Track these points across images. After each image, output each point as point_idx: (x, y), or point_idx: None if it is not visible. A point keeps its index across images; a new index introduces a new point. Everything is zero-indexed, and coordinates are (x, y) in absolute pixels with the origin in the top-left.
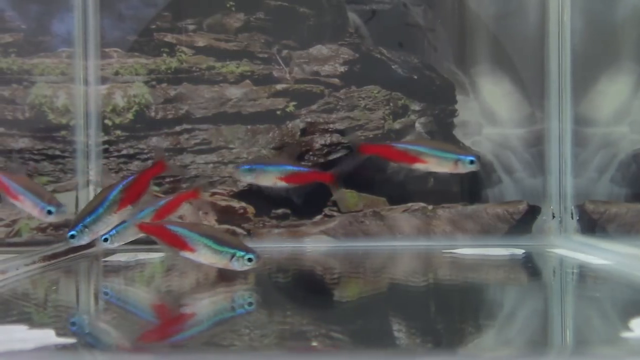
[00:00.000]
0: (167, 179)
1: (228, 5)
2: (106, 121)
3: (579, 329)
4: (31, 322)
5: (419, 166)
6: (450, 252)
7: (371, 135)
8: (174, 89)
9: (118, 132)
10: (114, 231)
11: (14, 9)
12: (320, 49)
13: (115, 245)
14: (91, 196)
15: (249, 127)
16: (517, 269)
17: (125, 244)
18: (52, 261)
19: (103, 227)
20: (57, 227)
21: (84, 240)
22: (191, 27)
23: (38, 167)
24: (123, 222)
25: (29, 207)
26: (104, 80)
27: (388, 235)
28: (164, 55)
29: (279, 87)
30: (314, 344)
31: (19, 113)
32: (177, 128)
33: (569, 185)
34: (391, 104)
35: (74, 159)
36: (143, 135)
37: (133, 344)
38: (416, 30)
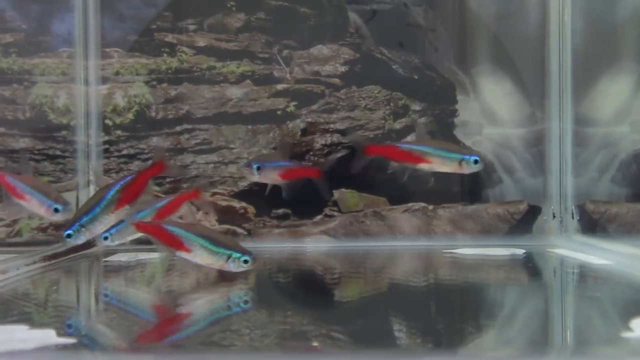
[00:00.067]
0: (168, 179)
1: (229, 5)
2: (107, 121)
3: (580, 329)
4: (32, 322)
5: (423, 166)
6: (451, 252)
7: (372, 135)
8: (175, 89)
9: (118, 132)
10: (114, 229)
11: (14, 9)
12: (320, 49)
13: (116, 243)
14: None
15: (249, 127)
16: (518, 269)
17: (127, 244)
18: (53, 261)
19: (100, 227)
20: (57, 227)
21: (81, 239)
22: (192, 27)
23: (39, 167)
24: (123, 220)
25: (35, 206)
26: (104, 80)
27: (388, 235)
28: (165, 55)
29: (279, 87)
30: (315, 344)
31: (19, 113)
32: (178, 128)
33: (569, 185)
34: (392, 104)
35: (75, 159)
36: (143, 135)
37: (128, 344)
38: (417, 30)
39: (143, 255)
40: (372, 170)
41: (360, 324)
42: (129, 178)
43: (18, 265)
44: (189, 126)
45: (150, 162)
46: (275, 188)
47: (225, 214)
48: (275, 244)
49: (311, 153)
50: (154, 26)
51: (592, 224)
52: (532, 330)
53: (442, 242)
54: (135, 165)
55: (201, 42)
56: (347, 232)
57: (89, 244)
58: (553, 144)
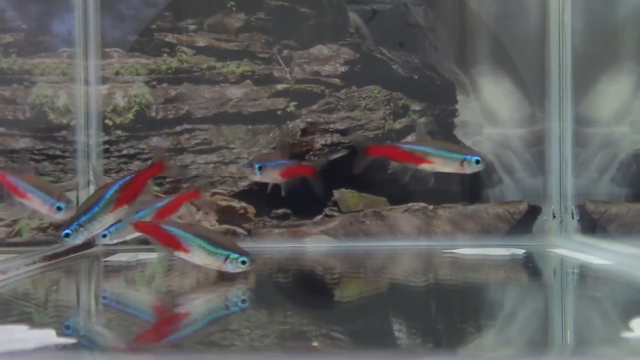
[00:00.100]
0: (168, 179)
1: (229, 5)
2: (107, 121)
3: (580, 329)
4: (32, 322)
5: (425, 166)
6: (451, 252)
7: (371, 135)
8: (175, 89)
9: (118, 132)
10: (113, 227)
11: (14, 9)
12: (320, 49)
13: (115, 241)
14: None
15: (249, 127)
16: (518, 269)
17: (126, 244)
18: (53, 261)
19: (98, 227)
20: (57, 227)
21: (79, 239)
22: (192, 27)
23: (39, 167)
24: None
25: (37, 205)
26: (104, 80)
27: (388, 235)
28: (165, 55)
29: (279, 87)
30: (315, 344)
31: (19, 113)
32: (178, 128)
33: (569, 185)
34: (392, 104)
35: (75, 159)
36: (143, 135)
37: (128, 344)
38: (417, 30)
39: (143, 256)
40: (372, 171)
41: (360, 324)
42: (127, 178)
43: (18, 265)
44: (189, 126)
45: (150, 162)
46: (275, 188)
47: (225, 214)
48: (275, 244)
49: (311, 153)
50: (154, 26)
51: (592, 224)
52: (532, 330)
53: (442, 242)
54: (135, 165)
55: (201, 42)
56: (347, 232)
57: (89, 244)
58: (553, 144)
